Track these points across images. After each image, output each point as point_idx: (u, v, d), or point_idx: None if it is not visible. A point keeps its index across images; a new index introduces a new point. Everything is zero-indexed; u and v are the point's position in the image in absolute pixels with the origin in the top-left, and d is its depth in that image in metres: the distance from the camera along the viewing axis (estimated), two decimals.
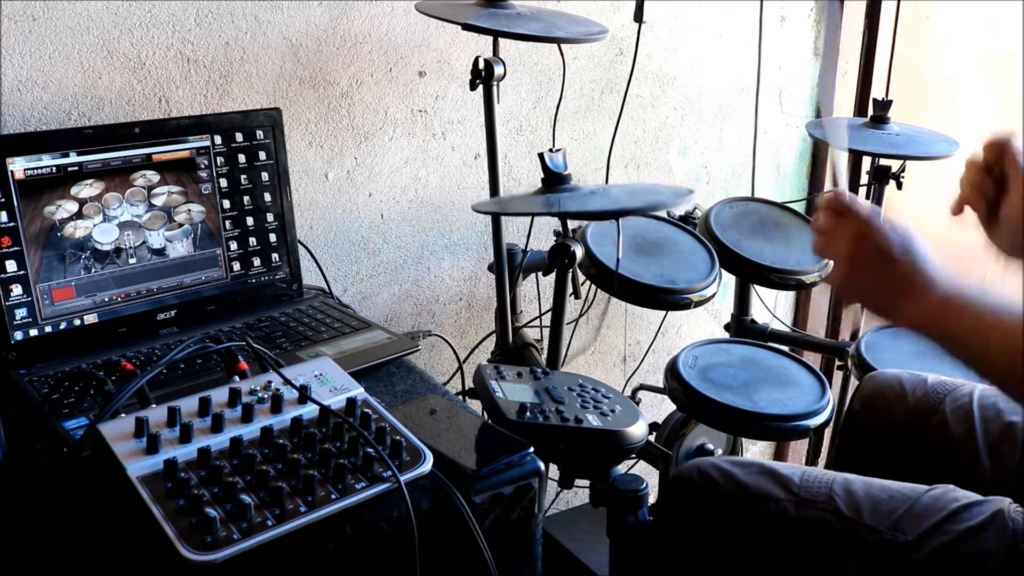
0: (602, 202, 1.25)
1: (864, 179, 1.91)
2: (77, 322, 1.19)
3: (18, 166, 1.13)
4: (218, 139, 1.28)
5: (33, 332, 1.16)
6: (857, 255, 0.95)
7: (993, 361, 0.88)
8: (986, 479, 1.20)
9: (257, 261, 1.34)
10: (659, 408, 1.97)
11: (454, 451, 0.95)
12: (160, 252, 1.25)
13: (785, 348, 1.69)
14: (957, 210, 1.09)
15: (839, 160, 1.07)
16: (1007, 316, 0.86)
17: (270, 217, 1.34)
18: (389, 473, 0.87)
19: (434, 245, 1.76)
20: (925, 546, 1.01)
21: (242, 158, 1.31)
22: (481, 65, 1.41)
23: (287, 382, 0.96)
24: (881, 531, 1.03)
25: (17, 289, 1.14)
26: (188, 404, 0.92)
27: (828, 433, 1.82)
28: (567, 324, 1.50)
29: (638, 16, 1.72)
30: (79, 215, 1.18)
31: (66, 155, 1.16)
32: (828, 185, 1.12)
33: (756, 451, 2.43)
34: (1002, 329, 0.86)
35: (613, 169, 1.89)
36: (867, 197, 1.89)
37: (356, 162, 1.62)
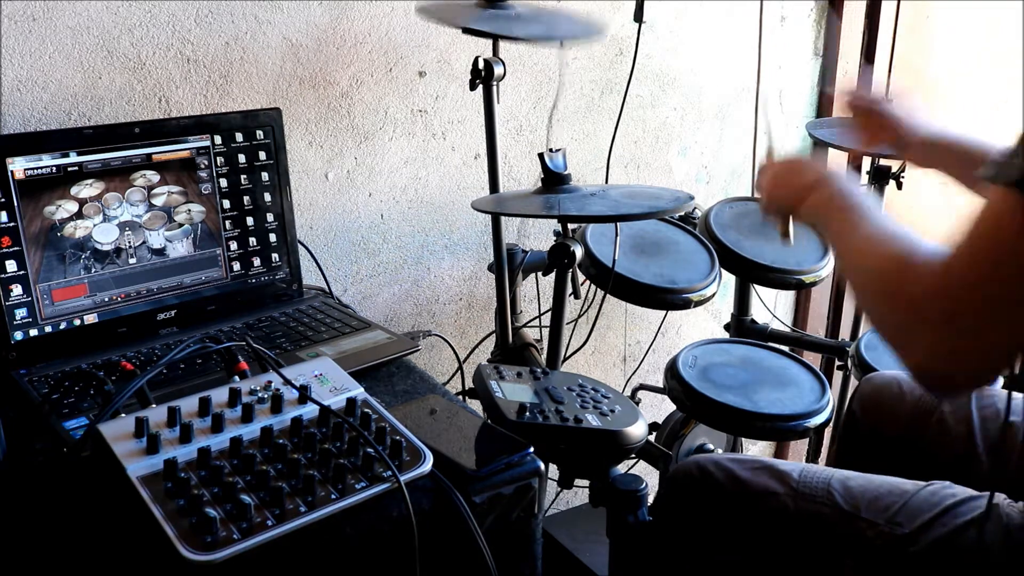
0: (601, 207, 1.25)
1: (864, 179, 1.91)
2: (77, 322, 1.19)
3: (18, 166, 1.13)
4: (218, 139, 1.28)
5: (33, 332, 1.16)
6: (777, 170, 1.13)
7: (850, 263, 0.96)
8: (985, 478, 1.20)
9: (257, 261, 1.34)
10: (659, 408, 1.97)
11: (454, 451, 0.95)
12: (160, 252, 1.25)
13: (785, 348, 1.69)
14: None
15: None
16: (873, 225, 0.93)
17: (270, 217, 1.34)
18: (389, 473, 0.87)
19: (434, 245, 1.76)
20: (922, 539, 1.01)
21: (242, 158, 1.31)
22: (481, 65, 1.41)
23: (287, 382, 0.96)
24: (879, 524, 1.03)
25: (17, 289, 1.14)
26: (188, 404, 0.92)
27: (828, 433, 1.82)
28: (567, 324, 1.50)
29: (638, 16, 1.72)
30: (79, 215, 1.18)
31: (66, 155, 1.16)
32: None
33: (756, 451, 2.43)
34: (861, 232, 0.93)
35: (613, 169, 1.89)
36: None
37: (356, 162, 1.62)
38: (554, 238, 1.49)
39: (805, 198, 1.04)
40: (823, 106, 2.23)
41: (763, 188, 1.15)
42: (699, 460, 1.16)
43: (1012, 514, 1.01)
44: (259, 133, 1.32)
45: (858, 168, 2.24)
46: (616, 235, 1.47)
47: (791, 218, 1.14)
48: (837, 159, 2.23)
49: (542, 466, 0.98)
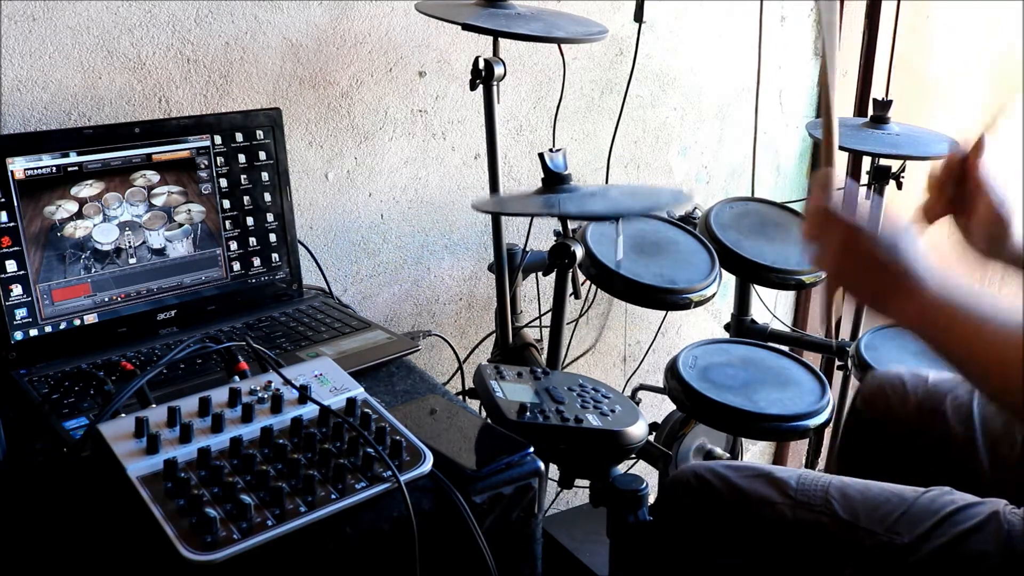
0: (601, 204, 1.25)
1: (864, 179, 1.91)
2: (77, 322, 1.19)
3: (18, 166, 1.13)
4: (218, 139, 1.28)
5: (33, 332, 1.16)
6: (845, 263, 0.96)
7: (975, 367, 0.89)
8: (985, 479, 1.20)
9: (257, 261, 1.34)
10: (659, 408, 1.97)
11: (454, 451, 0.95)
12: (160, 252, 1.25)
13: (785, 348, 1.70)
14: (927, 218, 1.11)
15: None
16: (993, 322, 0.86)
17: (270, 217, 1.34)
18: (389, 473, 0.87)
19: (434, 245, 1.76)
20: (922, 548, 1.01)
21: (242, 158, 1.31)
22: (481, 65, 1.41)
23: (287, 382, 0.96)
24: (878, 534, 1.03)
25: (17, 289, 1.14)
26: (188, 404, 0.92)
27: (828, 433, 1.82)
28: (567, 324, 1.50)
29: (638, 16, 1.72)
30: (79, 215, 1.18)
31: (66, 155, 1.16)
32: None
33: (756, 451, 2.43)
34: (985, 335, 0.86)
35: (613, 169, 1.89)
36: (867, 197, 1.90)
37: (356, 162, 1.62)
38: (554, 238, 1.49)
39: (893, 307, 0.93)
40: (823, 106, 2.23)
41: (828, 258, 0.97)
42: (696, 468, 1.16)
43: (1014, 522, 1.00)
44: (259, 133, 1.32)
45: (857, 171, 2.24)
46: (618, 234, 1.47)
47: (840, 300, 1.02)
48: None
49: (542, 466, 0.98)
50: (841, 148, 1.82)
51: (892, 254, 0.93)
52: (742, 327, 1.90)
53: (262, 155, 1.32)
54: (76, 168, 1.17)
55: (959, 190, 1.09)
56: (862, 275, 0.96)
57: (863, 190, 1.91)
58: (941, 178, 1.09)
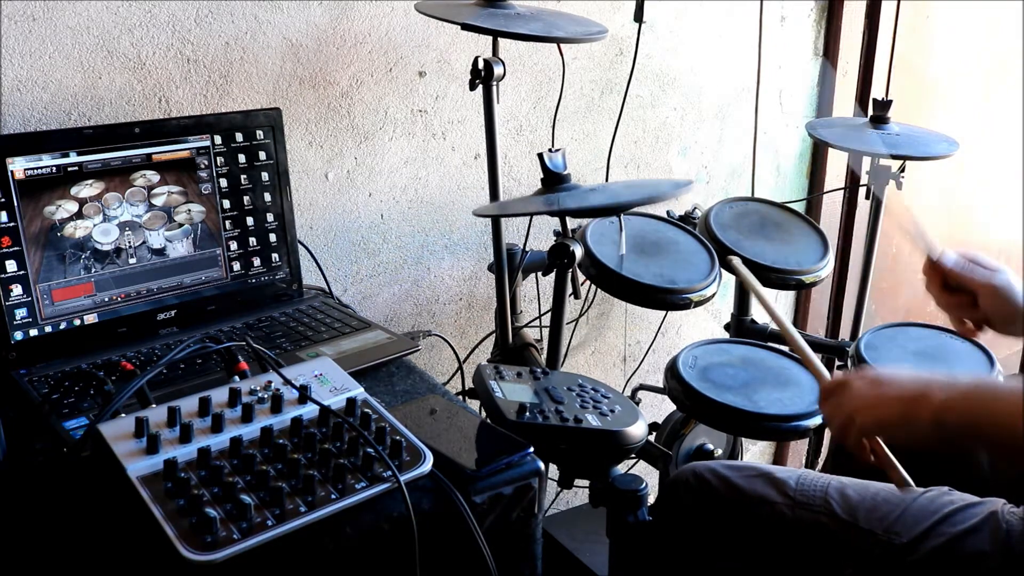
0: (602, 198, 1.25)
1: (864, 179, 1.91)
2: (77, 322, 1.19)
3: (18, 166, 1.13)
4: (218, 139, 1.28)
5: (33, 332, 1.16)
6: (861, 393, 1.00)
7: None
8: (983, 479, 1.20)
9: (257, 261, 1.34)
10: (659, 408, 1.97)
11: (454, 451, 0.95)
12: (160, 252, 1.25)
13: (785, 348, 1.69)
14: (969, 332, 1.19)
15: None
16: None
17: (270, 217, 1.34)
18: (389, 473, 0.87)
19: (434, 245, 1.76)
20: (920, 548, 1.01)
21: (242, 158, 1.31)
22: (481, 65, 1.41)
23: (287, 382, 0.96)
24: (877, 534, 1.03)
25: (17, 289, 1.14)
26: (188, 404, 0.92)
27: (828, 433, 1.82)
28: (567, 324, 1.50)
29: (638, 16, 1.72)
30: (79, 215, 1.18)
31: (66, 155, 1.16)
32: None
33: (756, 451, 2.43)
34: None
35: (613, 169, 1.89)
36: (867, 197, 1.90)
37: (356, 162, 1.62)
38: (554, 238, 1.49)
39: (919, 411, 0.94)
40: (823, 106, 2.23)
41: (853, 420, 1.00)
42: (696, 468, 1.16)
43: (1012, 521, 1.00)
44: (259, 133, 1.32)
45: (855, 177, 2.24)
46: (621, 229, 1.47)
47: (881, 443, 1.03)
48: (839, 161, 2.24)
49: (542, 466, 0.98)
50: (841, 148, 1.83)
51: (900, 377, 0.99)
52: (742, 327, 1.90)
53: (262, 155, 1.32)
54: (76, 168, 1.17)
55: (963, 294, 1.15)
56: (884, 405, 0.98)
57: (862, 191, 1.91)
58: (933, 292, 1.17)
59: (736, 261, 1.35)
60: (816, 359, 1.15)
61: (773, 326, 1.94)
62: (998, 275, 1.13)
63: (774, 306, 1.18)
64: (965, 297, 1.16)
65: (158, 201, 1.24)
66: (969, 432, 0.94)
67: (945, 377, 0.95)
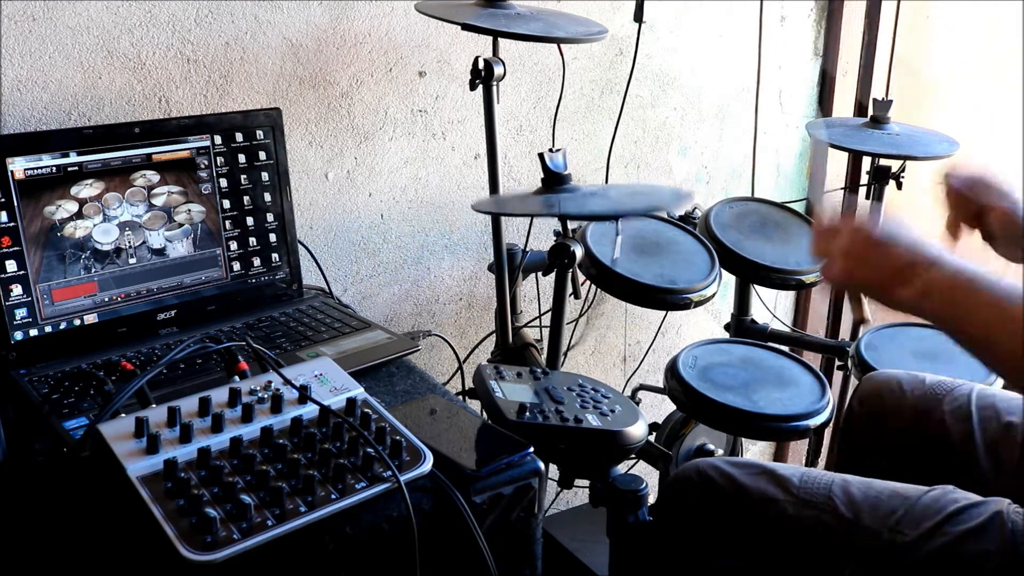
0: (601, 204, 1.25)
1: (864, 179, 1.91)
2: (77, 322, 1.19)
3: (18, 166, 1.13)
4: (218, 139, 1.28)
5: (33, 332, 1.16)
6: (854, 245, 0.97)
7: (994, 340, 0.88)
8: (985, 479, 1.20)
9: (257, 261, 1.34)
10: (659, 408, 1.97)
11: (454, 451, 0.95)
12: (160, 252, 1.25)
13: (785, 348, 1.70)
14: (952, 236, 1.14)
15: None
16: (1013, 296, 0.86)
17: (270, 217, 1.34)
18: (389, 473, 0.87)
19: (434, 245, 1.76)
20: (924, 547, 1.01)
21: (242, 158, 1.31)
22: (481, 65, 1.41)
23: (287, 382, 0.96)
24: (880, 532, 1.03)
25: (17, 289, 1.14)
26: (188, 404, 0.92)
27: (828, 433, 1.82)
28: (567, 324, 1.50)
29: (638, 16, 1.72)
30: (79, 215, 1.18)
31: (66, 155, 1.16)
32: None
33: (756, 451, 2.43)
34: (1006, 307, 0.86)
35: (613, 169, 1.89)
36: (867, 197, 1.90)
37: (356, 162, 1.62)
38: (554, 238, 1.49)
39: (903, 282, 0.92)
40: (823, 106, 2.23)
41: (836, 263, 0.99)
42: (699, 465, 1.16)
43: (1017, 521, 1.00)
44: (259, 133, 1.32)
45: (857, 171, 2.24)
46: (617, 234, 1.47)
47: (864, 297, 1.01)
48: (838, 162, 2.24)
49: (542, 466, 0.98)
50: (841, 148, 1.83)
51: (896, 241, 0.94)
52: (742, 327, 1.90)
53: (262, 155, 1.32)
54: (76, 168, 1.17)
55: (970, 206, 1.11)
56: (870, 266, 0.96)
57: (862, 191, 1.91)
58: (952, 197, 1.12)
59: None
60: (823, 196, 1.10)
61: (774, 325, 1.94)
62: (1009, 196, 1.10)
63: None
64: (971, 209, 1.12)
65: (158, 201, 1.24)
66: (946, 324, 0.91)
67: (937, 254, 0.91)
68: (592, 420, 1.12)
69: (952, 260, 0.91)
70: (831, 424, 1.49)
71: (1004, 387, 1.34)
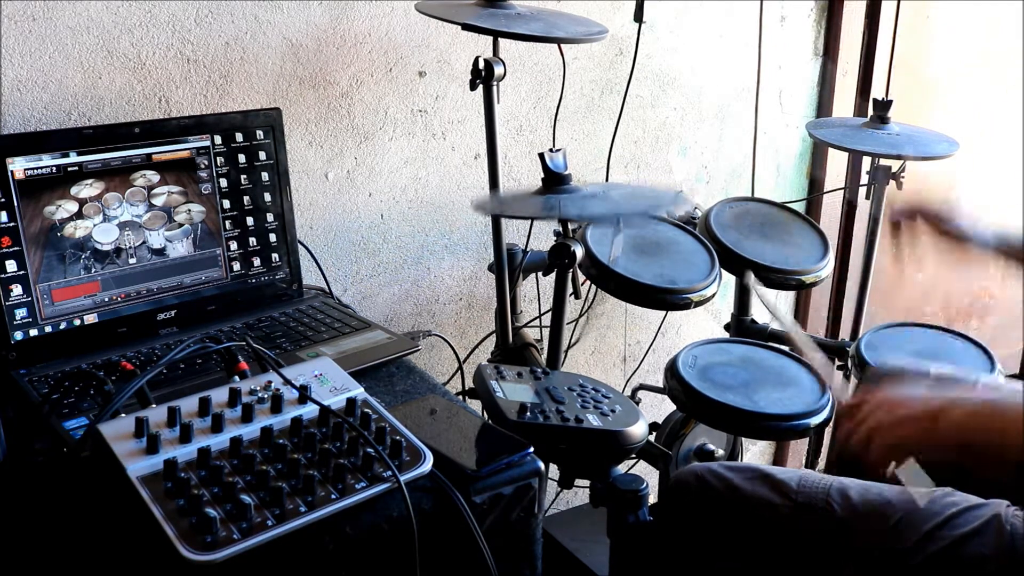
0: (601, 207, 1.25)
1: (864, 179, 1.91)
2: (77, 322, 1.19)
3: (18, 166, 1.13)
4: (218, 139, 1.28)
5: (33, 332, 1.16)
6: (881, 417, 0.99)
7: None
8: (987, 480, 1.20)
9: (257, 261, 1.34)
10: (659, 408, 1.97)
11: (454, 451, 0.95)
12: (160, 252, 1.25)
13: (785, 348, 1.69)
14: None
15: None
16: None
17: (270, 217, 1.34)
18: (389, 473, 0.87)
19: (434, 245, 1.76)
20: (923, 551, 1.00)
21: (242, 158, 1.31)
22: (481, 65, 1.41)
23: (287, 382, 0.96)
24: (878, 535, 1.03)
25: (17, 289, 1.14)
26: (188, 404, 0.92)
27: (828, 433, 1.82)
28: (567, 324, 1.50)
29: (638, 16, 1.72)
30: (79, 215, 1.18)
31: (66, 155, 1.16)
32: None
33: (756, 451, 2.43)
34: None
35: (613, 169, 1.89)
36: (867, 197, 1.90)
37: (356, 162, 1.62)
38: (554, 238, 1.49)
39: (939, 418, 0.94)
40: (823, 106, 2.23)
41: (867, 438, 0.99)
42: (697, 470, 1.16)
43: (1016, 524, 1.00)
44: (259, 133, 1.32)
45: (857, 171, 2.24)
46: (617, 234, 1.47)
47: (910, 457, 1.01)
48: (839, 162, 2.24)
49: (542, 466, 0.98)
50: (841, 148, 1.83)
51: (917, 388, 0.99)
52: (742, 327, 1.90)
53: (262, 155, 1.32)
54: (76, 168, 1.17)
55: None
56: (906, 412, 0.98)
57: (862, 191, 1.91)
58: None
59: (751, 279, 1.34)
60: (834, 375, 1.13)
61: (774, 325, 1.94)
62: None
63: (793, 325, 1.18)
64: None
65: (158, 201, 1.24)
66: (997, 443, 0.92)
67: (959, 393, 0.95)
68: (593, 420, 1.12)
69: (977, 390, 0.96)
70: (831, 424, 1.49)
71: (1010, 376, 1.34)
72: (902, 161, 1.80)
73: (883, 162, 1.83)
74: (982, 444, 0.93)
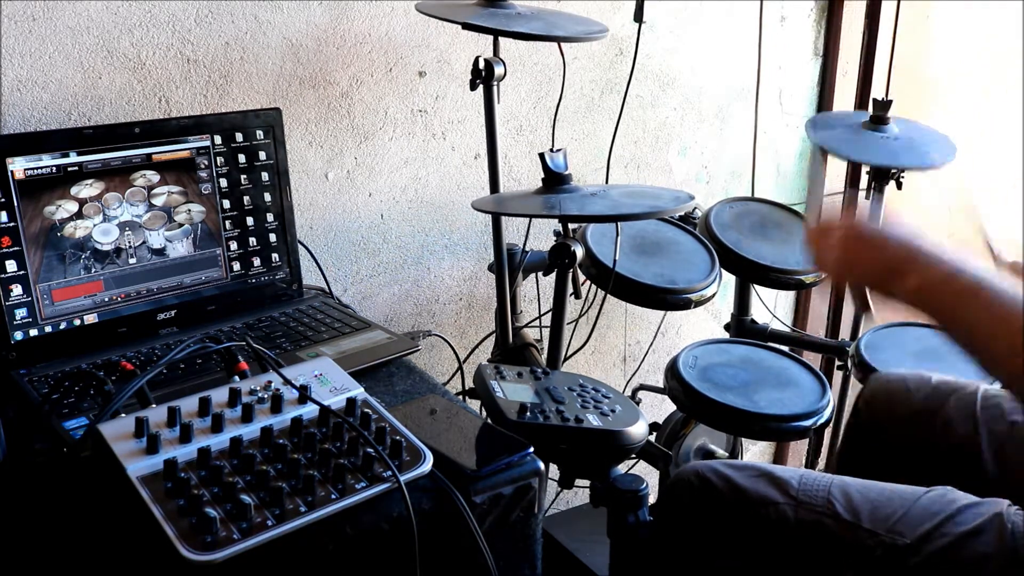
0: (602, 206, 1.25)
1: (864, 179, 1.91)
2: (77, 322, 1.19)
3: (18, 166, 1.13)
4: (218, 139, 1.28)
5: (33, 332, 1.16)
6: (848, 241, 0.98)
7: (992, 341, 0.87)
8: (989, 480, 1.20)
9: (257, 261, 1.34)
10: (659, 408, 1.97)
11: (454, 451, 0.95)
12: (160, 252, 1.25)
13: (785, 348, 1.70)
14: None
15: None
16: (1009, 297, 0.85)
17: (270, 217, 1.34)
18: (389, 473, 0.87)
19: (434, 245, 1.76)
20: (924, 549, 1.00)
21: (242, 158, 1.30)
22: (481, 65, 1.41)
23: (287, 382, 0.96)
24: (879, 534, 1.03)
25: (17, 289, 1.14)
26: (188, 404, 0.91)
27: (828, 433, 1.82)
28: (567, 324, 1.50)
29: (638, 16, 1.72)
30: (79, 215, 1.18)
31: (66, 155, 1.16)
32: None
33: (756, 451, 2.43)
34: (1003, 308, 0.85)
35: (613, 169, 1.89)
36: (867, 198, 1.89)
37: (356, 162, 1.62)
38: (554, 238, 1.49)
39: (899, 277, 0.92)
40: (823, 106, 2.23)
41: (830, 259, 1.00)
42: (698, 468, 1.16)
43: (1017, 522, 1.00)
44: (259, 133, 1.32)
45: (857, 171, 2.24)
46: (617, 235, 1.47)
47: (868, 291, 1.01)
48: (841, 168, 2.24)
49: (542, 466, 0.98)
50: (841, 157, 1.83)
51: (891, 237, 0.95)
52: (742, 327, 1.90)
53: (262, 155, 1.32)
54: (76, 168, 1.17)
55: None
56: (865, 261, 0.97)
57: (861, 195, 1.91)
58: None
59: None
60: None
61: (774, 325, 1.94)
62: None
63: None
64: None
65: (158, 201, 1.24)
66: (943, 321, 0.90)
67: (934, 251, 0.91)
68: (593, 420, 1.12)
69: (951, 258, 0.90)
70: (831, 424, 1.49)
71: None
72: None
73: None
74: (934, 315, 0.91)
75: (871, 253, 0.96)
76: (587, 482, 1.23)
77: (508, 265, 1.54)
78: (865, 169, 1.89)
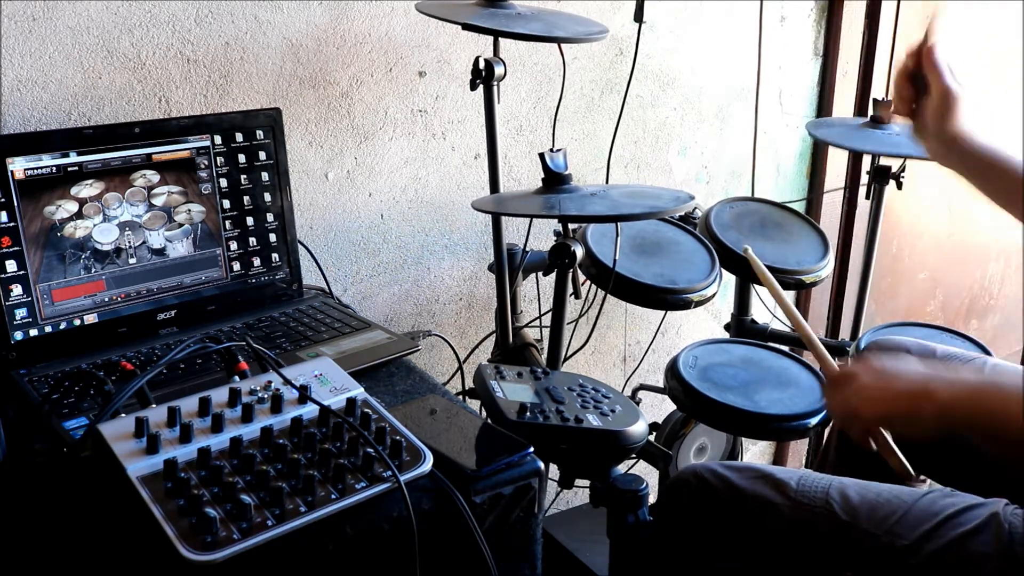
0: (602, 206, 1.25)
1: (864, 179, 1.92)
2: (77, 322, 1.19)
3: (18, 166, 1.13)
4: (218, 139, 1.28)
5: (33, 332, 1.16)
6: (868, 387, 1.02)
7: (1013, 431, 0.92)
8: (987, 477, 1.20)
9: (257, 261, 1.34)
10: (659, 408, 1.97)
11: (454, 451, 0.95)
12: (160, 252, 1.25)
13: (785, 348, 1.70)
14: (900, 111, 1.17)
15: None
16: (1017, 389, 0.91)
17: (270, 217, 1.34)
18: (389, 473, 0.87)
19: (434, 245, 1.76)
20: (922, 550, 1.01)
21: (242, 158, 1.31)
22: (481, 65, 1.41)
23: (287, 382, 0.96)
24: (878, 535, 1.03)
25: (17, 289, 1.14)
26: (188, 404, 0.92)
27: (828, 432, 1.82)
28: (567, 324, 1.50)
29: (638, 16, 1.72)
30: (79, 215, 1.18)
31: (66, 155, 1.16)
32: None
33: (756, 451, 2.43)
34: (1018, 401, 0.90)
35: (613, 169, 1.89)
36: (867, 197, 1.90)
37: (356, 162, 1.62)
38: (554, 238, 1.49)
39: (925, 399, 0.97)
40: (823, 106, 2.23)
41: (859, 412, 1.04)
42: (697, 469, 1.16)
43: (1014, 522, 1.00)
44: (259, 133, 1.32)
45: (857, 171, 2.24)
46: (617, 235, 1.47)
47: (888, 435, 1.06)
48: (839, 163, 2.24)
49: (542, 466, 0.98)
50: (841, 147, 1.83)
51: (904, 369, 1.02)
52: (742, 327, 1.90)
53: (262, 155, 1.32)
54: (76, 168, 1.17)
55: (917, 83, 1.13)
56: (889, 397, 1.01)
57: (862, 191, 1.91)
58: (902, 69, 1.14)
59: (749, 251, 1.35)
60: (823, 349, 1.15)
61: (774, 325, 1.94)
62: (960, 90, 1.11)
63: (785, 295, 1.19)
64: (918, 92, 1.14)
65: (158, 201, 1.24)
66: (973, 430, 0.96)
67: (949, 373, 0.97)
68: (593, 420, 1.12)
69: (964, 375, 0.99)
70: (831, 424, 1.49)
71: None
72: (902, 161, 1.80)
73: (883, 161, 1.83)
74: (966, 427, 0.97)
75: (893, 387, 1.01)
76: (587, 482, 1.23)
77: (508, 265, 1.54)
78: (865, 169, 1.89)
